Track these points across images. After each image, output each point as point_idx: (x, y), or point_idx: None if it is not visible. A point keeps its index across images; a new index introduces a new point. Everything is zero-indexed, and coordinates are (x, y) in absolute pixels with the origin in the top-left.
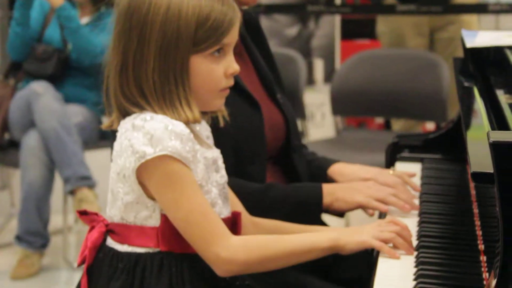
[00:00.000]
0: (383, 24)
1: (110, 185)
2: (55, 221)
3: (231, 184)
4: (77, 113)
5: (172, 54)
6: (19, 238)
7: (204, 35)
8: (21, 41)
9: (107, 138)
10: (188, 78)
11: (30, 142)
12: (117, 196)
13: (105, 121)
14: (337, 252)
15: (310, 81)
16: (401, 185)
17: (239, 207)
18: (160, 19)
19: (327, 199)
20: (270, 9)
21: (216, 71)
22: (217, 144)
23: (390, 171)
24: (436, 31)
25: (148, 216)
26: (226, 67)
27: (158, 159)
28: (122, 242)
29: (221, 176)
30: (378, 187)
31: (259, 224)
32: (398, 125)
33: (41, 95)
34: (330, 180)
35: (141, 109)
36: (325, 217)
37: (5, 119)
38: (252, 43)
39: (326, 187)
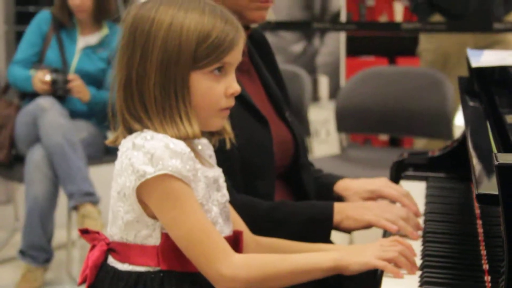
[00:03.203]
0: (427, 42)
1: (111, 204)
2: (59, 236)
3: (239, 201)
4: (83, 128)
5: (173, 70)
6: (22, 253)
7: (204, 52)
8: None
9: (112, 153)
10: (189, 93)
11: (35, 157)
12: (118, 215)
13: (110, 137)
14: (339, 273)
15: (315, 97)
16: (406, 197)
17: (241, 225)
18: (162, 34)
19: (337, 217)
20: (275, 26)
21: (216, 90)
22: (225, 161)
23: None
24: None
25: (148, 235)
26: (226, 87)
27: (159, 178)
28: (122, 261)
29: (222, 195)
30: (389, 209)
31: (262, 242)
32: (421, 144)
33: (47, 110)
34: (336, 196)
35: (143, 125)
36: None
37: (12, 137)
38: (261, 60)
39: (337, 206)
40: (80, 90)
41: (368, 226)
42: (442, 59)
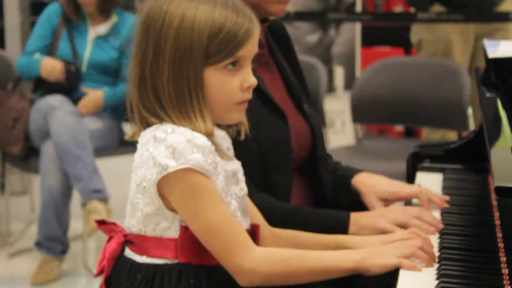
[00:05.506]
0: (426, 33)
1: (129, 196)
2: (75, 227)
3: (258, 201)
4: (98, 119)
5: (186, 66)
6: (38, 244)
7: (216, 48)
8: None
9: (127, 145)
10: (202, 90)
11: (49, 150)
12: (137, 207)
13: (125, 128)
14: (360, 273)
15: (331, 88)
16: (424, 198)
17: (259, 218)
18: (174, 31)
19: (352, 228)
20: (291, 17)
21: (230, 84)
22: (243, 155)
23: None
24: (480, 38)
25: (167, 228)
26: (242, 81)
27: (180, 172)
28: (140, 253)
29: (241, 188)
30: (402, 210)
31: (279, 234)
32: (436, 135)
33: (56, 109)
34: (354, 190)
35: (161, 120)
36: None
37: (26, 130)
38: (280, 52)
39: (353, 216)
40: (92, 106)
41: (383, 233)
42: (444, 49)
